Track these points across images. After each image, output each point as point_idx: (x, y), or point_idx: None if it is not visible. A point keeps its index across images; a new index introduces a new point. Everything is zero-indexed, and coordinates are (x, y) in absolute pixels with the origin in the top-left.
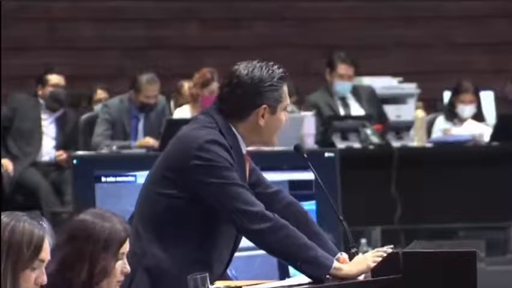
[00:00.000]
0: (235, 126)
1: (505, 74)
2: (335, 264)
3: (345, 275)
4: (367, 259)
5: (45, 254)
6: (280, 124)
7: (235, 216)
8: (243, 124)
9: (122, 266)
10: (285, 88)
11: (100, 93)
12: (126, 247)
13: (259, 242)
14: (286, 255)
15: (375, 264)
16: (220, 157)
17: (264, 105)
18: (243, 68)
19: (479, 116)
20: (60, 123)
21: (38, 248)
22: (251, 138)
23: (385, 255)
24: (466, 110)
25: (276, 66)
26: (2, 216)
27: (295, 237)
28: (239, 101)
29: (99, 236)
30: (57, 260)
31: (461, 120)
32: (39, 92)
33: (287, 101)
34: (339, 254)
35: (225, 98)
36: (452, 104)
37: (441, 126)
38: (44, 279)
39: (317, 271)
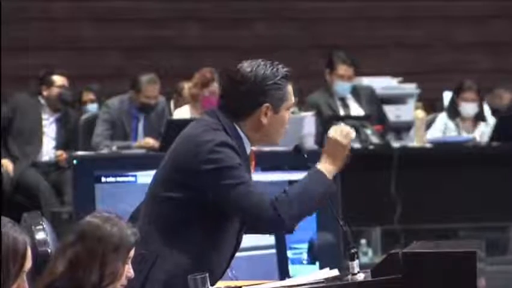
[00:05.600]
0: (239, 125)
1: (506, 74)
2: (320, 168)
3: (336, 167)
4: (336, 140)
5: (29, 262)
6: (283, 124)
7: (248, 214)
8: (247, 123)
9: (127, 270)
10: (289, 88)
11: (86, 95)
12: (133, 252)
13: (280, 228)
14: (309, 210)
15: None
16: (231, 159)
17: (267, 104)
18: (246, 65)
19: (480, 116)
20: (60, 123)
21: (23, 260)
22: (255, 138)
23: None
24: (469, 108)
25: (280, 65)
26: None
27: (300, 196)
28: (242, 99)
29: (109, 239)
30: (67, 260)
31: (464, 119)
32: (45, 93)
33: (291, 100)
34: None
35: (228, 96)
36: (454, 102)
37: (443, 125)
38: (25, 287)
39: (325, 186)
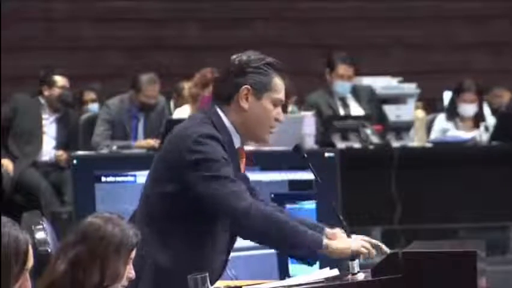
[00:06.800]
0: (224, 111)
1: (506, 74)
2: (325, 241)
3: (333, 251)
4: (351, 241)
5: (31, 261)
6: (266, 114)
7: (224, 210)
8: (230, 108)
9: (128, 271)
10: (276, 79)
11: (88, 94)
12: (134, 252)
13: (247, 235)
14: (278, 242)
15: (357, 248)
16: (215, 151)
17: (247, 86)
18: (236, 55)
19: (480, 116)
20: (60, 123)
21: (25, 258)
22: (240, 128)
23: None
24: (468, 109)
25: (269, 57)
26: None
27: (281, 223)
28: (224, 81)
29: (111, 239)
30: (67, 260)
31: (463, 120)
32: (46, 93)
33: (278, 94)
34: (326, 229)
35: (215, 83)
36: (453, 103)
37: (442, 125)
38: (28, 285)
39: (310, 250)
